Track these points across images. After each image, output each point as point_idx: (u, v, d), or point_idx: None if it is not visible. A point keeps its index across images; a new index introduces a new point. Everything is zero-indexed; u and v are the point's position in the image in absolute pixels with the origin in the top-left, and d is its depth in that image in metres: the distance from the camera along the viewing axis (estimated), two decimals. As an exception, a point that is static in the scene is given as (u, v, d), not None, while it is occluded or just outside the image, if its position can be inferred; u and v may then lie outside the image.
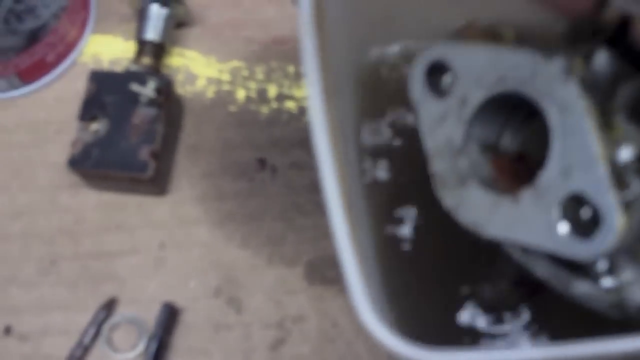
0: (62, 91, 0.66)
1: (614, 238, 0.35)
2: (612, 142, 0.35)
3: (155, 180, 0.60)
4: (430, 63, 0.41)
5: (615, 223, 0.34)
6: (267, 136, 0.63)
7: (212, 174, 0.62)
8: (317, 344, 0.58)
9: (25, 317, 0.60)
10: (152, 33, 0.64)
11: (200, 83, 0.65)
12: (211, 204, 0.62)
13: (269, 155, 0.62)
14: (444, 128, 0.41)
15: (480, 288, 0.50)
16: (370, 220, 0.52)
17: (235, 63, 0.66)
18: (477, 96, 0.40)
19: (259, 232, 0.61)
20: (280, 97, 0.64)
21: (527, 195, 0.38)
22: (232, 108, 0.64)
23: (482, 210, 0.40)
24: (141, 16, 0.65)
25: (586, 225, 0.36)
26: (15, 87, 0.65)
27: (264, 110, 0.64)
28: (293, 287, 0.59)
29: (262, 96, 0.64)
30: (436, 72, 0.42)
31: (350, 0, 0.49)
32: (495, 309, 0.49)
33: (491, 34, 0.42)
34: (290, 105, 0.64)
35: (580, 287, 0.38)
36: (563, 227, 0.36)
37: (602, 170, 0.35)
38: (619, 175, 0.35)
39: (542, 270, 0.39)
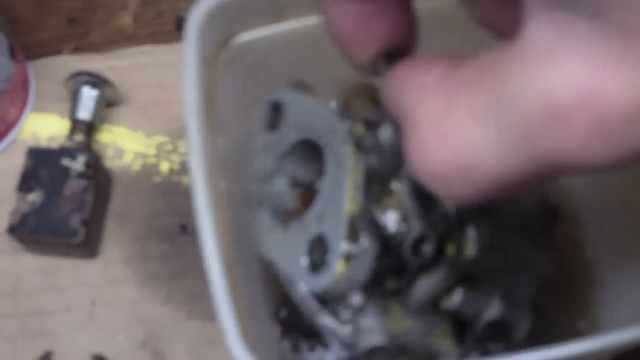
0: (2, 166, 0.72)
1: (332, 279, 0.39)
2: (381, 204, 0.40)
3: (86, 244, 0.67)
4: (272, 101, 0.46)
5: (336, 268, 0.39)
6: (188, 204, 0.69)
7: (139, 238, 0.69)
8: (232, 389, 0.64)
9: (-33, 372, 0.66)
10: (84, 112, 0.71)
11: (128, 157, 0.72)
12: (138, 265, 0.68)
13: (189, 221, 0.69)
14: (264, 157, 0.46)
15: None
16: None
17: (160, 138, 0.73)
18: (290, 137, 0.44)
19: (181, 289, 0.67)
20: (200, 168, 0.71)
21: (294, 227, 0.43)
22: (157, 179, 0.71)
23: (265, 230, 0.45)
24: (74, 97, 0.72)
25: (323, 265, 0.40)
26: (-41, 163, 0.72)
27: (185, 180, 0.71)
28: (211, 338, 0.66)
29: (184, 168, 0.71)
30: (276, 110, 0.46)
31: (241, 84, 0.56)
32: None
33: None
34: (209, 175, 0.71)
35: (326, 320, 0.43)
36: (304, 261, 0.41)
37: (342, 223, 0.39)
38: (354, 232, 0.40)
39: (297, 299, 0.43)
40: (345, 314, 0.43)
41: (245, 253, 0.56)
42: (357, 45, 0.36)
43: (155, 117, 0.74)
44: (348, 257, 0.39)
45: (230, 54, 0.55)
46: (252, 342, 0.45)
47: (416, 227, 0.41)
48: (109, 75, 0.72)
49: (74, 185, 0.68)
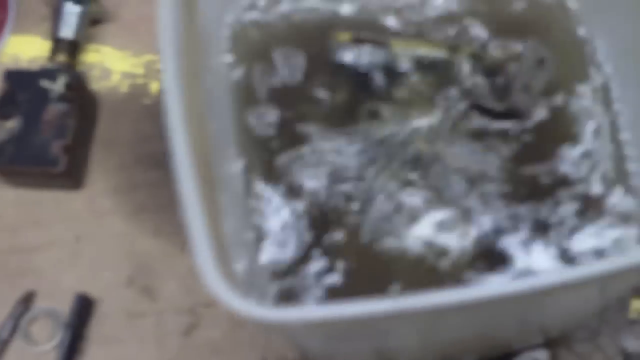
0: (-19, 92, 0.67)
1: None
2: None
3: (68, 174, 0.61)
4: None
5: None
6: (179, 127, 0.64)
7: (126, 166, 0.63)
8: (227, 328, 0.58)
9: (-56, 314, 0.61)
10: (67, 30, 0.65)
11: (115, 78, 0.66)
12: (125, 196, 0.62)
13: (180, 146, 0.63)
14: None
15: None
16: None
17: (149, 57, 0.67)
18: None
19: (171, 221, 0.61)
20: (193, 88, 0.65)
21: None
22: (146, 101, 0.65)
23: None
24: (56, 14, 0.66)
25: None
26: None
27: (176, 101, 0.65)
28: (204, 273, 0.60)
29: (174, 88, 0.65)
30: None
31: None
32: None
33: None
34: (202, 95, 0.65)
35: None
36: None
37: None
38: None
39: None
40: None
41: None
42: None
43: (143, 34, 0.67)
44: None
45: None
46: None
47: None
48: (93, -10, 0.66)
49: (54, 110, 0.62)
